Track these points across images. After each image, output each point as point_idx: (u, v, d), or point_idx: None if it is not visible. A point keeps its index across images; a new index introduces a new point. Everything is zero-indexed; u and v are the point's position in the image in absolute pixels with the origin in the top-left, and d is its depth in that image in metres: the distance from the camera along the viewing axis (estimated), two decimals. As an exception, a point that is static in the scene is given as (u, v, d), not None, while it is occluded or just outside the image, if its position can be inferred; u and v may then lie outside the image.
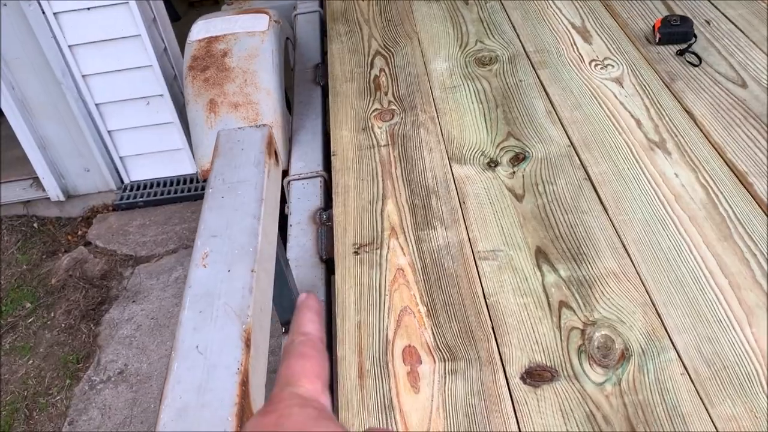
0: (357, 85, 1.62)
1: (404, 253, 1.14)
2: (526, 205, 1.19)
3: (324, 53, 1.93)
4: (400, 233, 1.18)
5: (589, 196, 1.19)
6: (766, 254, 1.02)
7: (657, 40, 1.54)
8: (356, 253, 1.16)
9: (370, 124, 1.48)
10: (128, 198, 2.41)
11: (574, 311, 0.98)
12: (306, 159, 1.54)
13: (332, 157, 1.41)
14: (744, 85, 1.37)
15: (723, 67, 1.44)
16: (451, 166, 1.32)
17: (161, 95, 2.29)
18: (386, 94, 1.57)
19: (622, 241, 1.08)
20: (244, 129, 0.85)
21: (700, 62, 1.45)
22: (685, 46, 1.50)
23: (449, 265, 1.10)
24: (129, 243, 2.18)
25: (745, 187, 1.14)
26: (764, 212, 1.09)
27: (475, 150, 1.35)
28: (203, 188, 2.61)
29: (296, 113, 1.68)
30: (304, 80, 1.81)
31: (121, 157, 2.41)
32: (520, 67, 1.57)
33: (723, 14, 1.60)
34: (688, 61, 1.47)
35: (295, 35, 2.04)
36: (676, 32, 1.52)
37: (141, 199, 2.40)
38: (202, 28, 1.64)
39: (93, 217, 2.35)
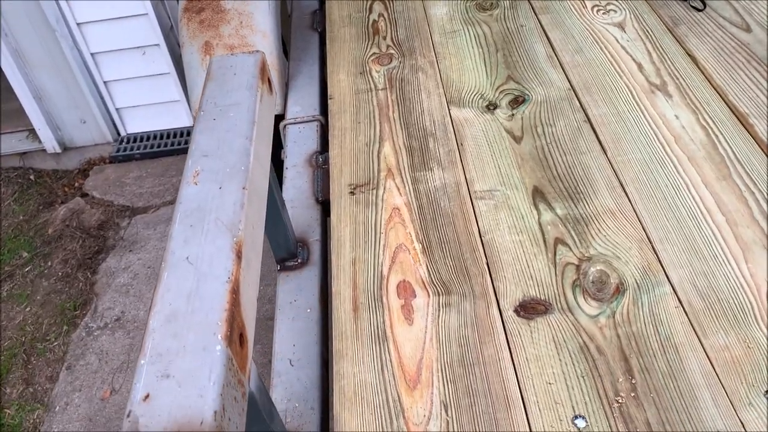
0: (355, 29, 1.59)
1: (400, 194, 1.13)
2: (524, 146, 1.18)
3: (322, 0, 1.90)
4: (397, 174, 1.17)
5: (588, 137, 1.17)
6: (764, 193, 1.01)
7: (662, -15, 1.50)
8: (352, 193, 1.15)
9: (368, 68, 1.46)
10: (125, 150, 2.39)
11: (569, 247, 0.98)
12: (302, 104, 1.52)
13: (329, 101, 1.39)
14: (748, 29, 1.35)
15: (727, 12, 1.41)
16: (449, 109, 1.30)
17: (157, 45, 2.25)
18: (385, 38, 1.55)
19: (620, 181, 1.07)
20: (236, 55, 0.83)
21: (705, 7, 1.42)
22: (690, -10, 1.47)
23: (445, 205, 1.09)
24: (126, 194, 2.17)
25: (745, 128, 1.13)
26: (764, 152, 1.08)
27: (474, 93, 1.33)
28: (200, 140, 2.57)
29: (293, 59, 1.66)
30: (302, 26, 1.78)
31: (117, 109, 2.39)
32: (521, 11, 1.54)
33: (730, -41, 1.57)
34: (692, 6, 1.44)
35: (292, -18, 2.00)
36: (681, -24, 1.48)
37: (138, 151, 2.38)
38: (197, -29, 1.60)
39: (90, 169, 2.34)
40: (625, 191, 1.05)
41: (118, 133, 2.48)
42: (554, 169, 1.12)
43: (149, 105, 2.39)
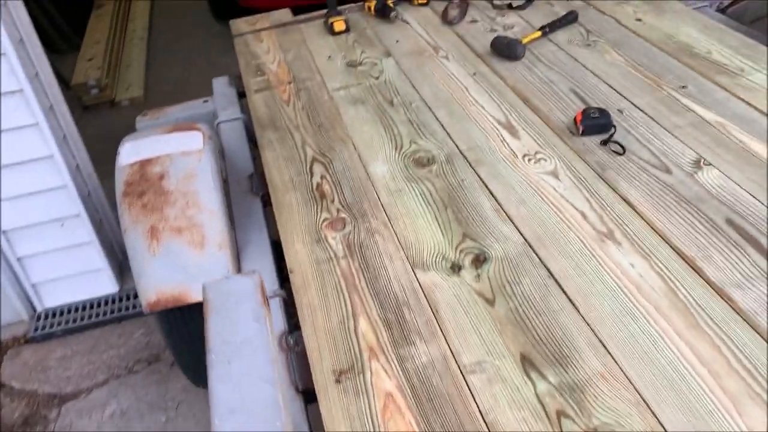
0: (301, 194, 1.61)
1: (389, 376, 1.10)
2: (499, 309, 1.20)
3: (254, 159, 1.91)
4: (380, 353, 1.15)
5: (556, 294, 1.22)
6: (733, 338, 1.08)
7: (580, 132, 1.64)
8: (338, 381, 1.11)
9: (323, 235, 1.46)
10: (44, 327, 2.20)
11: (573, 420, 0.99)
12: (258, 277, 1.49)
13: (290, 275, 1.37)
14: (668, 171, 1.49)
15: (645, 154, 1.55)
16: (415, 274, 1.31)
17: (77, 215, 2.15)
18: (333, 201, 1.57)
19: (599, 339, 1.11)
20: (231, 279, 0.81)
21: (624, 151, 1.57)
22: (606, 136, 1.62)
23: (438, 384, 1.08)
24: (51, 379, 1.98)
25: (696, 272, 1.22)
26: (719, 295, 1.16)
27: (436, 254, 1.36)
28: (128, 308, 2.43)
29: (239, 227, 1.63)
30: (241, 191, 1.77)
31: (33, 284, 2.22)
32: (458, 166, 1.62)
33: (632, 103, 1.75)
34: (613, 151, 1.58)
35: (221, 145, 2.01)
36: (597, 124, 1.63)
37: (59, 327, 2.20)
38: (131, 151, 1.58)
39: (3, 354, 2.12)
40: (607, 350, 1.09)
41: (34, 309, 2.29)
42: (534, 332, 1.14)
43: (69, 276, 2.25)
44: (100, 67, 4.08)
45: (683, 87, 1.77)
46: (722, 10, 2.31)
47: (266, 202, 1.73)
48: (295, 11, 2.67)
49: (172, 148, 1.56)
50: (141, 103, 3.88)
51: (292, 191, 1.62)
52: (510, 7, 2.39)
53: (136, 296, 2.27)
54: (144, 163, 1.53)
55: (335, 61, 2.23)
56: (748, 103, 1.67)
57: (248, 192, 1.77)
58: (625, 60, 1.95)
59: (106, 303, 2.30)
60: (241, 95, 2.29)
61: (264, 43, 2.44)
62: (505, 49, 2.04)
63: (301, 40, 2.42)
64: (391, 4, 2.46)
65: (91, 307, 2.27)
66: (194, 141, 1.59)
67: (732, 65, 1.83)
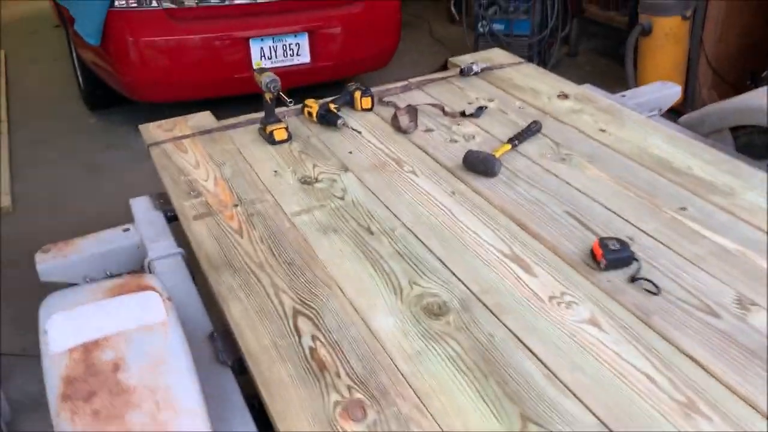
0: (292, 366, 1.27)
1: None
2: None
3: (209, 311, 1.53)
4: None
5: (672, 501, 0.99)
6: None
7: (602, 267, 1.47)
8: None
9: (339, 430, 1.13)
10: None
11: None
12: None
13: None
14: (716, 315, 1.34)
15: (681, 293, 1.40)
16: (484, 485, 1.03)
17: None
18: (338, 375, 1.24)
19: None
20: None
21: (659, 290, 1.41)
22: (630, 270, 1.46)
23: None
24: None
25: (817, 455, 1.05)
26: None
27: (498, 451, 1.08)
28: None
29: (212, 416, 1.24)
30: (202, 361, 1.38)
31: None
32: (479, 315, 1.37)
33: (639, 229, 1.62)
34: (645, 290, 1.41)
35: (159, 289, 1.61)
36: (619, 258, 1.47)
37: None
38: (65, 329, 1.16)
39: None
40: None
41: None
42: None
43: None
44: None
45: (683, 209, 1.68)
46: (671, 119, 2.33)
47: (239, 371, 1.37)
48: (197, 104, 2.35)
49: (125, 320, 1.17)
50: (9, 212, 3.26)
51: (280, 362, 1.28)
52: (463, 114, 2.24)
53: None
54: (89, 348, 1.12)
55: (284, 176, 1.93)
56: (758, 227, 1.60)
57: (212, 361, 1.39)
58: (608, 176, 1.84)
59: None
60: (170, 219, 1.91)
61: (189, 153, 2.09)
62: (481, 165, 1.86)
63: (234, 151, 2.10)
64: (334, 110, 2.23)
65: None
66: (152, 307, 1.21)
67: (720, 183, 1.77)
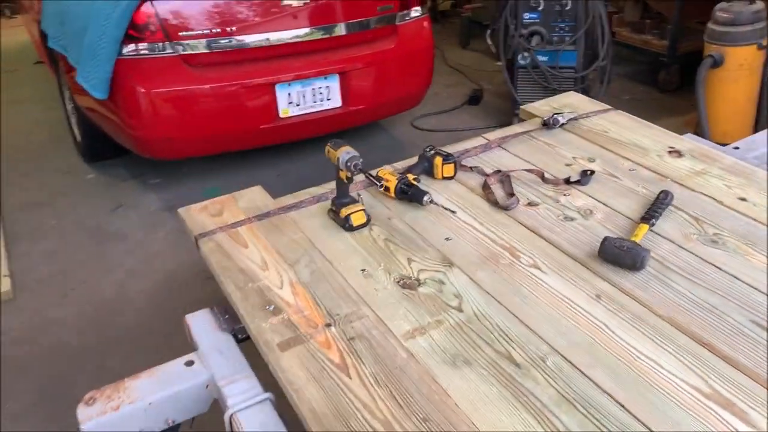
0: None
1: None
2: None
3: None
4: None
5: None
6: None
7: None
8: None
9: None
10: None
11: None
12: None
13: None
14: None
15: None
16: None
17: None
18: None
19: None
20: None
21: None
22: None
23: None
24: None
25: None
26: None
27: None
28: None
29: None
30: None
31: None
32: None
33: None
34: None
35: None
36: None
37: None
38: None
39: None
40: None
41: None
42: None
43: None
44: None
45: None
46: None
47: None
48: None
49: None
50: (9, 299, 2.82)
51: None
52: (567, 182, 1.90)
53: None
54: None
55: (376, 277, 1.56)
56: None
57: None
58: (780, 265, 1.51)
59: None
60: (240, 340, 1.53)
61: (251, 248, 1.71)
62: (627, 258, 1.50)
63: (305, 241, 1.73)
64: (415, 182, 1.87)
65: None
66: None
67: None
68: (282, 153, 3.84)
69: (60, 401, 2.26)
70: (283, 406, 1.35)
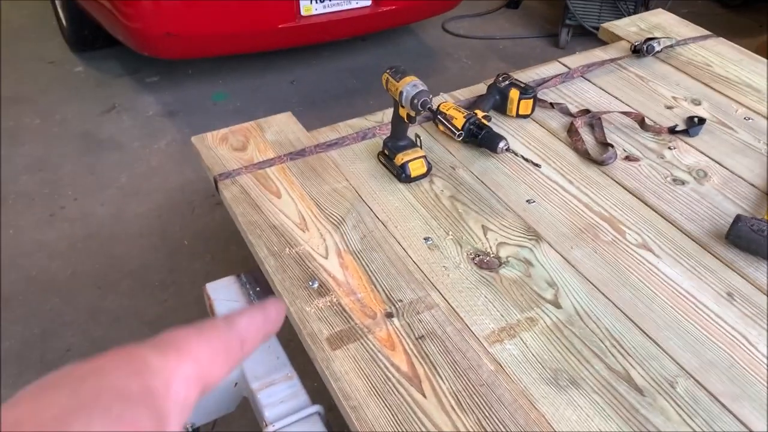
0: None
1: None
2: None
3: None
4: None
5: None
6: None
7: None
8: None
9: None
10: None
11: None
12: None
13: None
14: None
15: None
16: None
17: None
18: None
19: None
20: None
21: None
22: None
23: None
24: None
25: None
26: None
27: None
28: None
29: None
30: None
31: None
32: None
33: None
34: None
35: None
36: None
37: None
38: None
39: None
40: None
41: None
42: None
43: None
44: None
45: None
46: None
47: None
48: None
49: None
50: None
51: None
52: (672, 131, 1.54)
53: None
54: None
55: (444, 251, 1.24)
56: None
57: None
58: None
59: None
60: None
61: (285, 198, 1.37)
62: (760, 246, 1.19)
63: (351, 194, 1.39)
64: (485, 122, 1.50)
65: None
66: None
67: None
68: (297, 56, 3.39)
69: (48, 353, 2.00)
70: (330, 417, 1.08)
